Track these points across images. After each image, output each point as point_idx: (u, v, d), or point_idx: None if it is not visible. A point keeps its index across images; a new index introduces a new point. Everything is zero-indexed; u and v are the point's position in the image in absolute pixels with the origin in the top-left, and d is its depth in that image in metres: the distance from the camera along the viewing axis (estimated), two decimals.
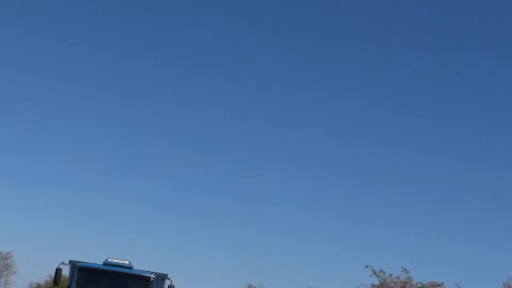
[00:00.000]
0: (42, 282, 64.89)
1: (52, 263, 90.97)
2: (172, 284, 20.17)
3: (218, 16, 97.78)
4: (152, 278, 19.85)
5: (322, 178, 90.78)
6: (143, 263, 21.61)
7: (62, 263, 19.95)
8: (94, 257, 21.15)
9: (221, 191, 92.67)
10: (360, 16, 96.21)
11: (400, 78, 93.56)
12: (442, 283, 32.39)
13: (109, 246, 79.56)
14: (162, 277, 20.26)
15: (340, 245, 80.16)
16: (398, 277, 32.05)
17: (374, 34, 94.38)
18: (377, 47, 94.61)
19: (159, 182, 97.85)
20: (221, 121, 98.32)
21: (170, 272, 20.35)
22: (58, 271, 19.97)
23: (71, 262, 20.33)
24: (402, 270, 32.05)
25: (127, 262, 20.59)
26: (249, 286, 49.07)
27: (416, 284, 32.22)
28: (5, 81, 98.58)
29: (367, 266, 31.78)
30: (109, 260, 20.48)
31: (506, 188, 79.95)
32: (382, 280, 31.84)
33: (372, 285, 32.32)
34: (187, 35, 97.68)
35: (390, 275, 32.02)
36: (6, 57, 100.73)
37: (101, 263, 20.51)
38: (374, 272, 31.80)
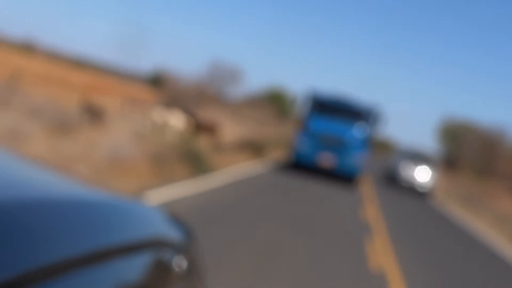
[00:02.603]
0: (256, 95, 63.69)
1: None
2: (382, 115, 23.80)
3: None
4: (373, 111, 23.12)
5: None
6: None
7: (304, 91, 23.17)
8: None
9: None
10: None
11: None
12: None
13: None
14: (377, 111, 23.36)
15: None
16: None
17: None
18: None
19: None
20: None
21: None
22: (297, 98, 23.81)
23: (308, 90, 23.84)
24: None
25: (351, 97, 23.81)
26: None
27: None
28: None
29: None
30: (337, 93, 23.86)
31: None
32: None
33: None
34: None
35: None
36: None
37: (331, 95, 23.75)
38: None
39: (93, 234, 1.00)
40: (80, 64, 64.91)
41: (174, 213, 1.58)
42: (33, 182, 1.07)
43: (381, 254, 10.71)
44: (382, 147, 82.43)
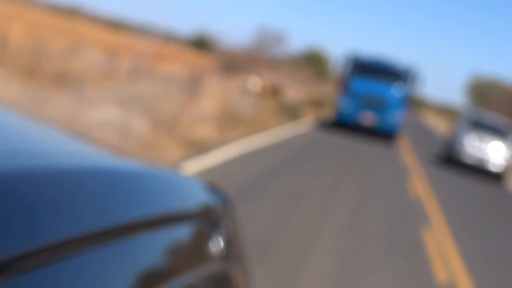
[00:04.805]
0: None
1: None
2: (419, 76, 25.06)
3: None
4: (410, 72, 24.40)
5: None
6: None
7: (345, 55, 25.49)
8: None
9: None
10: None
11: None
12: None
13: None
14: (415, 72, 24.65)
15: None
16: None
17: None
18: None
19: None
20: None
21: None
22: (337, 59, 25.80)
23: (348, 53, 25.28)
24: None
25: (389, 59, 25.06)
26: None
27: None
28: None
29: None
30: (376, 55, 25.32)
31: None
32: None
33: None
34: None
35: None
36: None
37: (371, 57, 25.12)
38: None
39: (118, 206, 0.89)
40: (120, 26, 67.24)
41: (210, 181, 1.44)
42: (53, 151, 0.95)
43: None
44: (417, 105, 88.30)
